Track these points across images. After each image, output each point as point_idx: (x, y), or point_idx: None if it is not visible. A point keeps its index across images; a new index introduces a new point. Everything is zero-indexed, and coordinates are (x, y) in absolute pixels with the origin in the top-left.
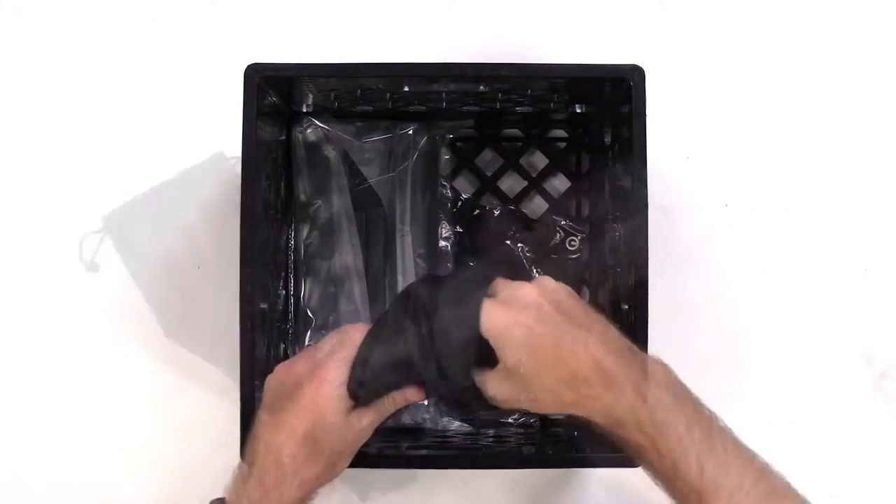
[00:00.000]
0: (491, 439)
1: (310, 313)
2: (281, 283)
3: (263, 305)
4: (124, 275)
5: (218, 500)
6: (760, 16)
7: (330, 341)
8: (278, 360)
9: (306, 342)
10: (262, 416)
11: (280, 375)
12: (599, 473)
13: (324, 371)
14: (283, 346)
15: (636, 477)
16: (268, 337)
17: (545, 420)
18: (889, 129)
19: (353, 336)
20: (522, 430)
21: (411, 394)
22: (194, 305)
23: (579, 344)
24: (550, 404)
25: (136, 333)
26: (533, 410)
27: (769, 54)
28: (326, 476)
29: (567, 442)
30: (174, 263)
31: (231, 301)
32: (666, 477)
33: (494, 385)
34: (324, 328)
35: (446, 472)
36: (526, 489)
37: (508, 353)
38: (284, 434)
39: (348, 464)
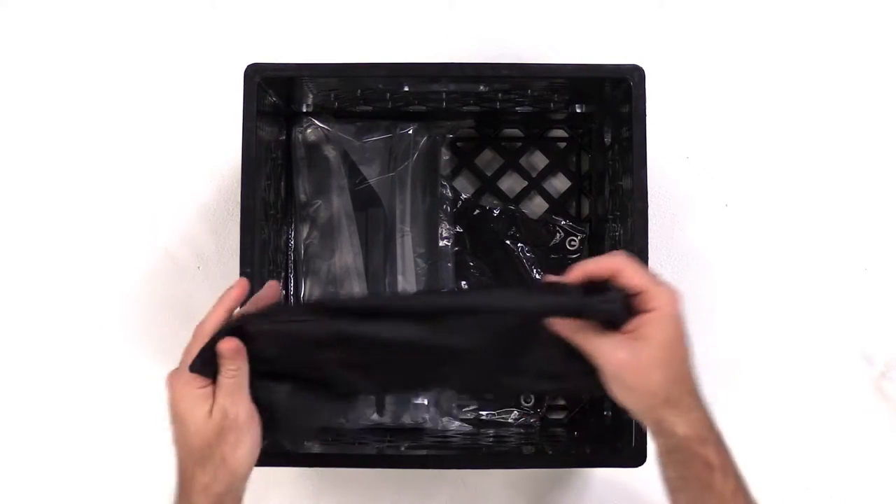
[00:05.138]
0: (491, 439)
1: None
2: (281, 283)
3: None
4: (125, 274)
5: None
6: (760, 15)
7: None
8: None
9: None
10: None
11: None
12: (599, 473)
13: (173, 382)
14: None
15: (636, 477)
16: None
17: (545, 420)
18: (889, 129)
19: (190, 343)
20: (522, 430)
21: (224, 345)
22: (194, 305)
23: (692, 360)
24: (644, 399)
25: (136, 333)
26: (623, 398)
27: (769, 54)
28: (223, 475)
29: (567, 442)
30: (174, 263)
31: None
32: (722, 499)
33: (617, 348)
34: None
35: (446, 472)
36: (526, 489)
37: (661, 330)
38: (177, 449)
39: (248, 449)
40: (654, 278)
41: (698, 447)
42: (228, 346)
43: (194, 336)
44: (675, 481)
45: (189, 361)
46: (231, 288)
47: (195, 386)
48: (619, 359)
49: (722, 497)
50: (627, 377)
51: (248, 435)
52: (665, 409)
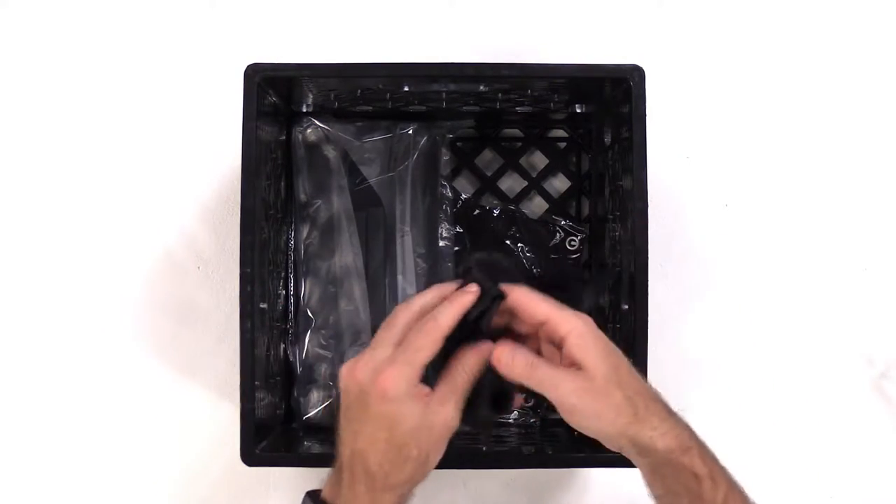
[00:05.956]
0: (491, 439)
1: (310, 313)
2: (281, 283)
3: (263, 305)
4: (125, 275)
5: (315, 491)
6: (760, 15)
7: (389, 337)
8: (278, 361)
9: (306, 342)
10: (341, 421)
11: (344, 381)
12: (599, 473)
13: (385, 378)
14: (283, 346)
15: (636, 477)
16: (268, 337)
17: (545, 420)
18: (889, 129)
19: (414, 341)
20: (522, 430)
21: (484, 349)
22: (194, 305)
23: (635, 370)
24: (613, 421)
25: (136, 333)
26: (590, 426)
27: (769, 54)
28: (419, 475)
29: (567, 442)
30: (174, 263)
31: (231, 301)
32: None
33: (566, 378)
34: (324, 328)
35: (446, 472)
36: (526, 489)
37: (593, 350)
38: (366, 443)
39: (441, 455)
40: (556, 306)
41: (682, 458)
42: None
43: (425, 332)
44: (664, 498)
45: (411, 361)
46: (465, 293)
47: (413, 383)
48: (573, 388)
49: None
50: (589, 404)
51: (450, 435)
52: (637, 426)
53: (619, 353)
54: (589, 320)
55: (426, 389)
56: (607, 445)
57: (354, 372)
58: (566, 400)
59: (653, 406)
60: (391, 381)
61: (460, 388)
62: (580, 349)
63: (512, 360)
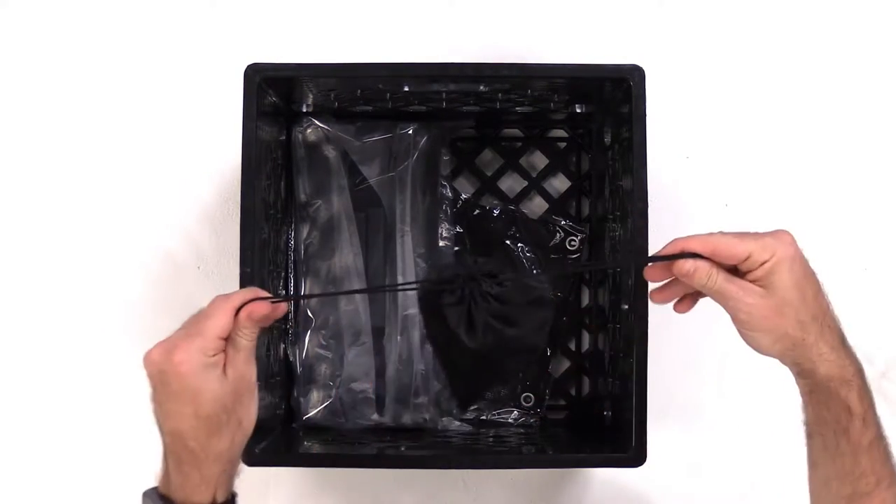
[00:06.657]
0: (491, 439)
1: (310, 313)
2: (281, 283)
3: None
4: (125, 274)
5: (151, 489)
6: (760, 15)
7: (187, 322)
8: (278, 361)
9: (306, 342)
10: (152, 407)
11: (146, 367)
12: (599, 473)
13: (178, 353)
14: (283, 346)
15: (636, 477)
16: (268, 337)
17: (545, 420)
18: (889, 130)
19: (205, 312)
20: (522, 430)
21: (256, 308)
22: (194, 305)
23: (826, 295)
24: (789, 337)
25: (136, 333)
26: (755, 343)
27: (769, 54)
28: (239, 438)
29: (567, 442)
30: (174, 263)
31: None
32: (857, 448)
33: (748, 293)
34: (324, 328)
35: (446, 472)
36: (526, 489)
37: (785, 273)
38: (177, 420)
39: (256, 408)
40: (754, 237)
41: (840, 388)
42: (262, 310)
43: (213, 306)
44: (811, 426)
45: (202, 331)
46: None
47: (208, 354)
48: (749, 303)
49: (858, 445)
50: (759, 321)
51: (255, 395)
52: (802, 350)
53: (811, 278)
54: (786, 244)
55: (223, 357)
56: (773, 358)
57: (151, 355)
58: (738, 313)
59: (828, 334)
60: (184, 355)
61: (243, 347)
62: (770, 273)
63: (693, 271)
